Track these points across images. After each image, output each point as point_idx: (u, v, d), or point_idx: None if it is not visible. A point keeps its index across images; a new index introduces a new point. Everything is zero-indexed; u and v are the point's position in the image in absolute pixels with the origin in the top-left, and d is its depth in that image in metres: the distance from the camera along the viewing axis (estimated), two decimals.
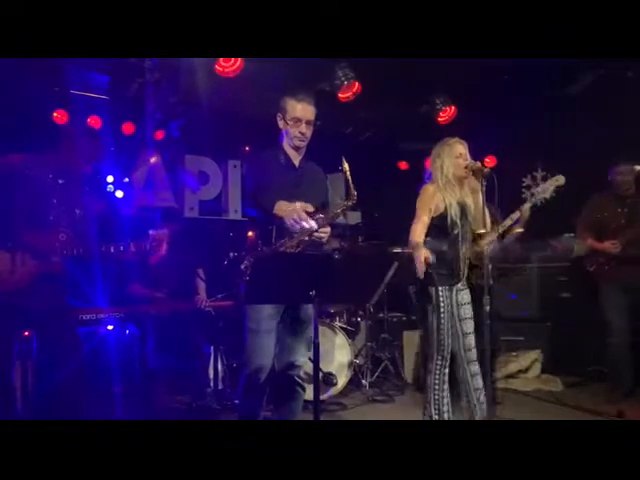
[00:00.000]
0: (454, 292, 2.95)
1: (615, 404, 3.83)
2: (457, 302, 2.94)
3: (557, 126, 4.90)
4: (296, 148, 2.68)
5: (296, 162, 2.71)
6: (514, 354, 4.87)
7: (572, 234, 4.43)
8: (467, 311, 2.95)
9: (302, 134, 2.62)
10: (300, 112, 2.60)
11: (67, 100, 4.23)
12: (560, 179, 3.21)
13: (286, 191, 2.55)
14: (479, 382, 2.90)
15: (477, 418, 2.89)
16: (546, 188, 3.24)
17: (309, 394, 2.95)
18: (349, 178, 2.47)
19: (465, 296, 2.97)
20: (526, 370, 4.84)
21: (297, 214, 2.41)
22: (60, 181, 2.66)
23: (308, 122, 2.63)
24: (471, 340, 2.92)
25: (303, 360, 2.69)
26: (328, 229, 2.53)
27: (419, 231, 2.90)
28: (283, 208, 2.48)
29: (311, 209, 2.53)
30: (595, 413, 3.81)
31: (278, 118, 2.67)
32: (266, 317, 2.54)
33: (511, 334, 4.93)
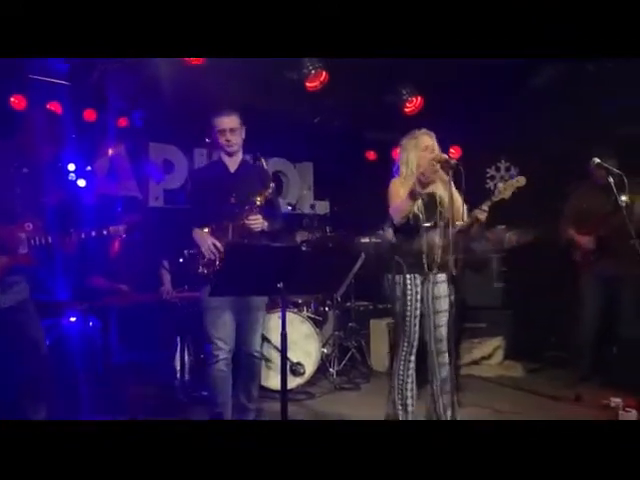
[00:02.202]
0: (429, 283, 2.96)
1: (572, 388, 3.96)
2: (433, 294, 2.97)
3: (521, 118, 4.99)
4: (229, 154, 3.03)
5: (232, 168, 3.06)
6: (477, 341, 4.98)
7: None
8: (443, 304, 2.96)
9: (228, 141, 2.97)
10: (224, 124, 2.96)
11: (25, 85, 4.07)
12: (521, 180, 3.11)
13: (224, 196, 2.92)
14: (445, 373, 2.95)
15: (440, 407, 2.96)
16: (506, 189, 3.20)
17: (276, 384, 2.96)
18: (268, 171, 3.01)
19: (442, 289, 2.97)
20: (489, 357, 4.95)
21: (207, 246, 2.83)
22: (24, 170, 2.56)
23: (232, 130, 2.97)
24: (442, 332, 2.96)
25: (255, 337, 3.03)
26: (258, 216, 2.88)
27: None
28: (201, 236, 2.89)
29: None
30: (554, 398, 3.94)
31: (213, 134, 3.02)
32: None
33: (473, 321, 5.02)
